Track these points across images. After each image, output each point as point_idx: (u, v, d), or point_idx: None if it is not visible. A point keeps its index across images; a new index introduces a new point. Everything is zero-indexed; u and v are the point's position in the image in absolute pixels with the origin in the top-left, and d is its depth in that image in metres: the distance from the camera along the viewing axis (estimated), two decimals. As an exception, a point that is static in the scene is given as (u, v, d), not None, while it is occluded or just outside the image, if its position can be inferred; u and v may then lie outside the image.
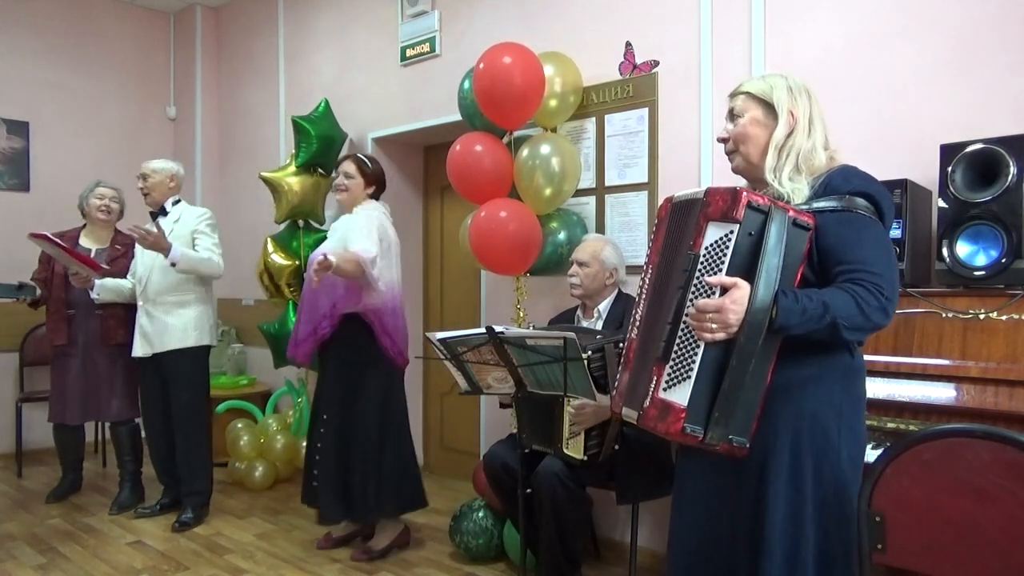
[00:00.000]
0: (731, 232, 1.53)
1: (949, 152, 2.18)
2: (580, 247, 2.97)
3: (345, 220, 3.24)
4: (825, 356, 1.62)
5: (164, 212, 3.72)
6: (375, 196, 3.31)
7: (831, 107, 2.68)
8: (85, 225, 4.01)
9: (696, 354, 1.55)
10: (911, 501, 1.46)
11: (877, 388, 2.14)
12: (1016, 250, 2.05)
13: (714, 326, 1.50)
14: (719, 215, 1.54)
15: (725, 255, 1.53)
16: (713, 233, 1.55)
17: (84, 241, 3.95)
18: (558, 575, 2.72)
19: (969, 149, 2.14)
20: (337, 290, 3.11)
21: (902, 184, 2.24)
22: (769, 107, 1.71)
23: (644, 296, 1.76)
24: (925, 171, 2.38)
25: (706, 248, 1.55)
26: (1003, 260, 2.06)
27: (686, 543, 1.76)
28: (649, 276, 1.76)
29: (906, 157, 2.49)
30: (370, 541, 3.31)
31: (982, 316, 2.07)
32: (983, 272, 2.09)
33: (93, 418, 3.96)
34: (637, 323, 1.77)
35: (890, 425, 2.02)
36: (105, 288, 3.69)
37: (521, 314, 3.47)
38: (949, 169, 2.16)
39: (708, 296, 1.54)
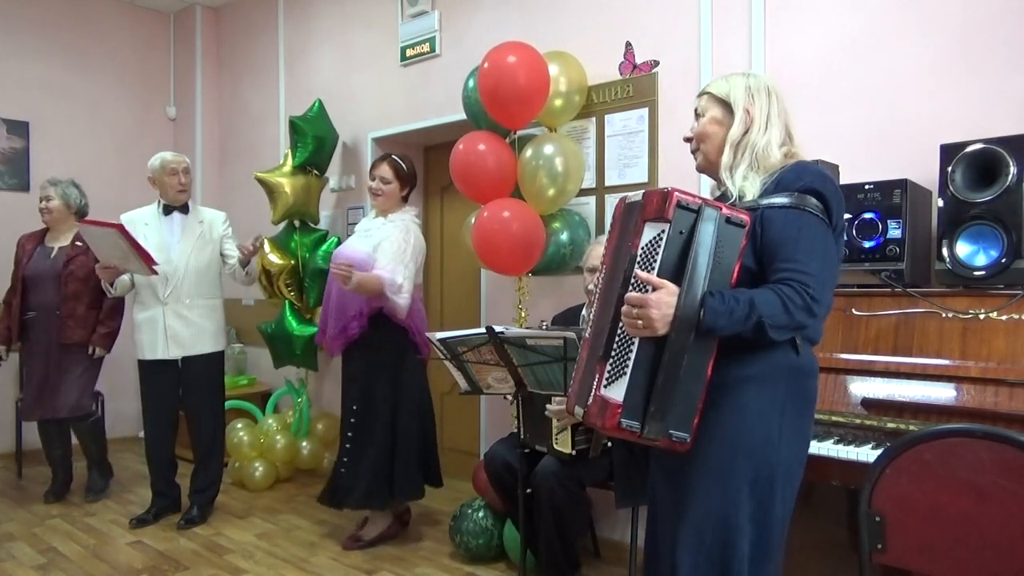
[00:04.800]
0: (662, 232, 1.55)
1: (949, 152, 2.17)
2: (590, 253, 2.87)
3: (380, 226, 3.29)
4: (769, 355, 1.62)
5: (185, 210, 3.68)
6: (407, 197, 3.40)
7: (831, 107, 2.72)
8: (47, 229, 4.06)
9: (631, 351, 1.57)
10: (911, 501, 1.46)
11: (877, 388, 2.14)
12: (1016, 250, 2.05)
13: (639, 322, 1.52)
14: (653, 215, 1.56)
15: (657, 254, 1.55)
16: (648, 233, 1.57)
17: (48, 242, 4.01)
18: (558, 575, 2.72)
19: (969, 149, 2.14)
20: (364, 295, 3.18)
21: (902, 184, 2.24)
22: (728, 106, 1.74)
23: (596, 296, 1.77)
24: (925, 171, 2.38)
25: (642, 248, 1.57)
26: (1003, 260, 2.06)
27: (648, 552, 1.83)
28: (601, 276, 1.77)
29: (906, 157, 2.49)
30: (361, 530, 3.39)
31: (982, 316, 2.07)
32: (983, 272, 2.09)
33: (49, 414, 3.96)
34: (589, 323, 1.77)
35: (890, 425, 2.02)
36: (123, 283, 3.66)
37: (523, 314, 3.47)
38: (949, 169, 2.16)
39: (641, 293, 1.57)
